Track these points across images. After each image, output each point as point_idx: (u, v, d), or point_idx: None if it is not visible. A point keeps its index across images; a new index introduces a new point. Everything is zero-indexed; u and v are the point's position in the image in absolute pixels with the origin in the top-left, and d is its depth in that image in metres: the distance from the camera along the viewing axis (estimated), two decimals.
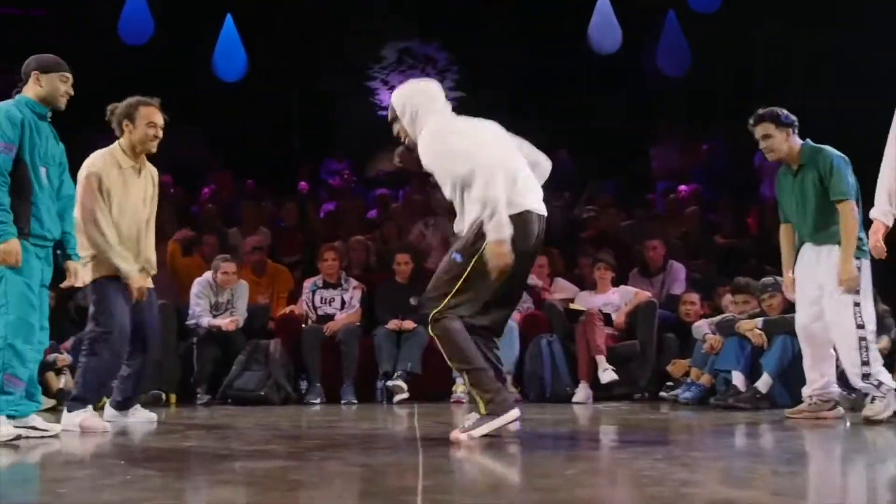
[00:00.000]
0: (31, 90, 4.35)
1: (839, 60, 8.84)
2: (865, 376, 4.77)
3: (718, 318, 6.56)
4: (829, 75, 9.43)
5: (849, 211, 4.83)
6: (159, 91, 5.16)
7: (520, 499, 2.80)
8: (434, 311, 4.02)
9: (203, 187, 11.02)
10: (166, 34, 11.70)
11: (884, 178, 4.78)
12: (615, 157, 12.14)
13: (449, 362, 4.15)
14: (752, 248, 8.81)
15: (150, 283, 5.11)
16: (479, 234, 3.95)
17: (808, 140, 5.05)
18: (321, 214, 10.29)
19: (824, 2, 9.76)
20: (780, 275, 5.61)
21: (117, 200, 4.88)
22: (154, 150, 5.04)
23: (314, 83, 12.78)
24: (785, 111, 5.04)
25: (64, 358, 6.20)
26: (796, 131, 5.05)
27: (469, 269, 3.98)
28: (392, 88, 14.45)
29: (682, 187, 10.71)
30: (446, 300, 4.00)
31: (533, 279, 7.63)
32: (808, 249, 5.05)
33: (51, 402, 5.32)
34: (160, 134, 5.01)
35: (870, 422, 4.69)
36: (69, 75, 4.44)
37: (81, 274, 4.54)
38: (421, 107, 4.33)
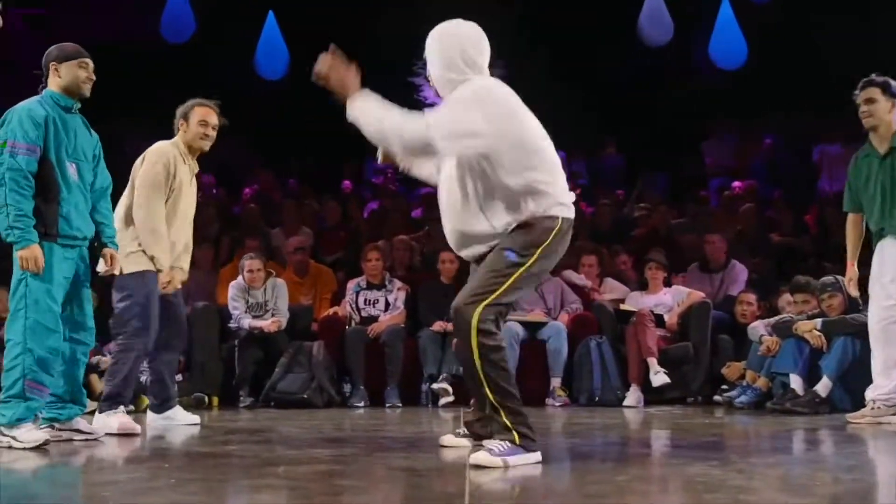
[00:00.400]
0: (52, 83, 4.35)
1: None
2: None
3: (775, 319, 6.48)
4: None
5: None
6: (200, 89, 5.28)
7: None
8: (477, 312, 3.52)
9: (245, 187, 11.13)
10: (208, 32, 11.85)
11: None
12: (666, 154, 12.04)
13: (477, 377, 3.58)
14: (810, 246, 8.69)
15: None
16: (535, 236, 3.62)
17: None
18: (365, 214, 10.34)
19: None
20: (841, 273, 5.53)
21: (175, 195, 5.02)
22: (206, 148, 5.20)
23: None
24: None
25: (107, 360, 6.29)
26: None
27: (522, 270, 3.60)
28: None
29: (737, 183, 10.60)
30: (490, 298, 3.55)
31: (582, 279, 7.62)
32: (887, 244, 4.93)
33: (94, 405, 5.39)
34: (211, 133, 5.18)
35: None
36: (88, 61, 4.41)
37: (118, 261, 4.56)
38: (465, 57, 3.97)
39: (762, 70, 11.62)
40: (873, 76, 5.00)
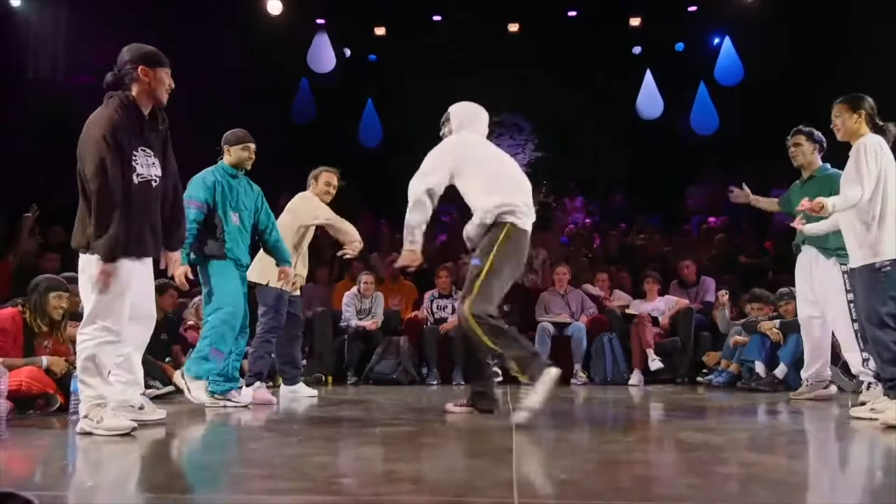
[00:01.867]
0: (226, 158, 4.59)
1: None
2: (865, 361, 4.50)
3: (743, 320, 6.36)
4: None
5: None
6: (321, 156, 5.37)
7: (590, 459, 2.76)
8: (467, 306, 3.58)
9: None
10: (325, 115, 12.11)
11: None
12: (659, 197, 11.89)
13: (485, 346, 3.57)
14: (770, 265, 8.48)
15: (297, 290, 5.24)
16: (489, 240, 3.70)
17: (827, 164, 4.88)
18: (437, 243, 10.39)
19: (833, 77, 9.41)
20: (793, 285, 5.40)
21: (308, 231, 5.17)
22: (327, 202, 5.31)
23: (431, 147, 12.92)
24: (818, 132, 4.89)
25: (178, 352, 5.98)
26: (821, 152, 4.91)
27: (486, 269, 3.64)
28: None
29: (712, 219, 10.40)
30: (472, 295, 3.59)
31: (597, 290, 7.54)
32: (804, 255, 4.81)
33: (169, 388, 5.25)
34: (333, 192, 5.33)
35: (863, 404, 4.43)
36: (252, 145, 4.62)
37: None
38: (463, 121, 4.14)
39: (730, 135, 11.46)
40: (801, 126, 4.96)
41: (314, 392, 5.35)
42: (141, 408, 3.54)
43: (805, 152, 4.89)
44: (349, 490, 2.18)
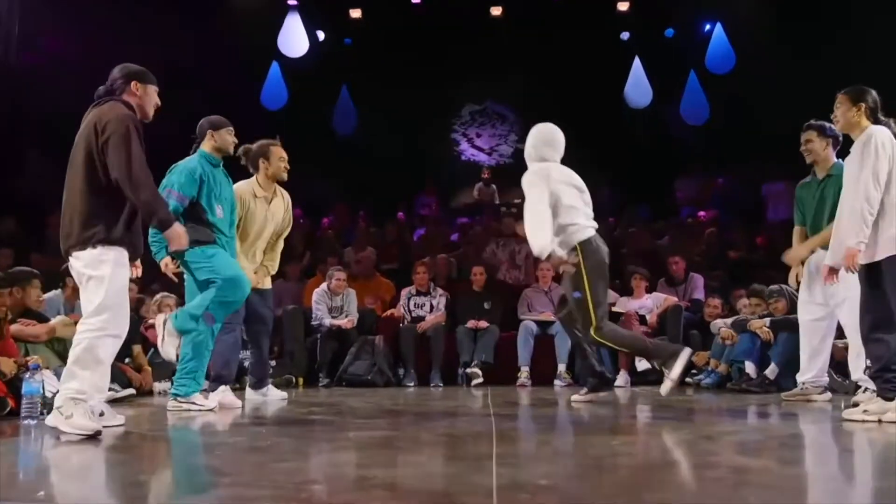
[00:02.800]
0: (207, 145, 4.51)
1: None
2: (868, 368, 4.55)
3: (733, 318, 6.40)
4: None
5: None
6: (292, 146, 5.28)
7: (573, 463, 2.76)
8: (592, 330, 4.42)
9: (324, 218, 11.21)
10: (297, 101, 12.01)
11: None
12: (647, 190, 11.97)
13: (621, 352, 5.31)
14: (762, 260, 8.57)
15: (268, 284, 5.13)
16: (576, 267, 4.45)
17: (841, 160, 4.77)
18: (415, 238, 10.37)
19: (823, 70, 9.51)
20: (785, 283, 5.43)
21: (249, 219, 4.96)
22: (286, 177, 5.11)
23: (409, 136, 12.92)
24: (830, 125, 4.69)
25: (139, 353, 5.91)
26: (836, 146, 4.80)
27: (587, 295, 4.42)
28: (469, 140, 14.62)
29: (702, 213, 10.49)
30: (593, 317, 4.40)
31: None
32: (817, 256, 4.78)
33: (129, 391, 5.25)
34: (288, 165, 5.12)
35: (856, 405, 4.48)
36: (232, 129, 4.60)
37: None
38: (541, 148, 4.75)
39: (721, 125, 11.56)
40: (812, 121, 4.85)
41: (284, 394, 5.32)
42: (101, 414, 3.50)
43: (817, 149, 4.80)
44: (320, 498, 2.16)
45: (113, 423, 3.55)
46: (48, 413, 3.39)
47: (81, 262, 3.32)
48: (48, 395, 3.82)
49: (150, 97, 3.54)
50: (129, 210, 3.34)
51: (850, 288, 4.57)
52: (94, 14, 8.91)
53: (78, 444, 3.05)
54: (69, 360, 3.30)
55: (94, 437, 3.14)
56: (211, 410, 4.36)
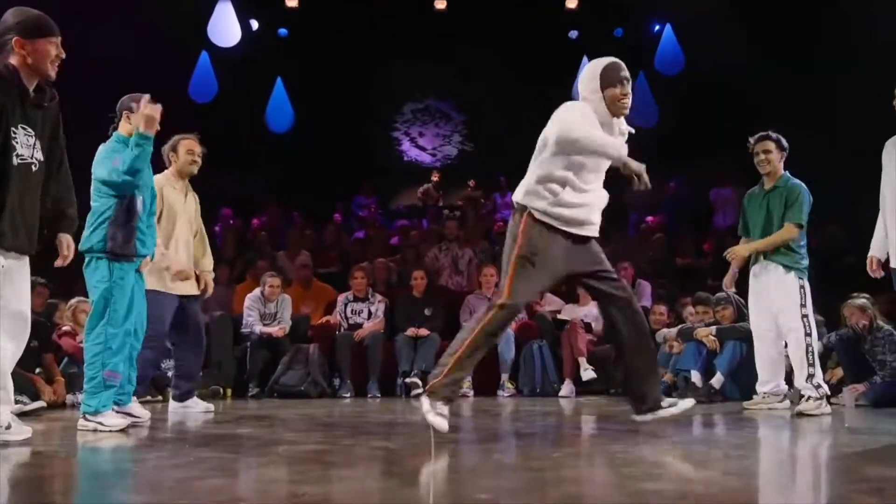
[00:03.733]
0: (123, 127, 4.27)
1: (799, 110, 8.90)
2: (810, 377, 4.73)
3: (679, 326, 6.54)
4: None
5: (788, 231, 4.82)
6: (222, 141, 5.20)
7: (515, 477, 2.78)
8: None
9: (256, 218, 11.07)
10: (228, 94, 11.81)
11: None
12: None
13: None
14: (708, 268, 8.79)
15: (194, 290, 5.02)
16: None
17: (787, 172, 5.02)
18: (352, 240, 10.32)
19: (773, 73, 9.82)
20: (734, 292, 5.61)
21: (168, 210, 4.88)
22: (195, 172, 5.03)
23: (347, 133, 12.86)
24: (784, 139, 5.01)
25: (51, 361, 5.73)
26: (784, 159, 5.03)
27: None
28: (412, 139, 14.62)
29: (650, 218, 10.70)
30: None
31: None
32: (761, 267, 5.00)
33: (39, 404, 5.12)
34: (198, 160, 5.03)
35: (802, 415, 4.65)
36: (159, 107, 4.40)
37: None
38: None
39: (670, 128, 11.80)
40: (769, 132, 5.04)
41: (210, 406, 5.23)
42: (8, 427, 3.35)
43: (774, 160, 5.00)
44: None
45: (19, 438, 3.40)
46: None
47: None
48: None
49: (43, 54, 3.17)
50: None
51: (788, 295, 4.76)
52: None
53: None
54: None
55: None
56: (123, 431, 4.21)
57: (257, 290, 6.99)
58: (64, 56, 3.27)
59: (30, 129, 3.18)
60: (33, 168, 3.20)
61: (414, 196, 12.96)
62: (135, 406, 4.41)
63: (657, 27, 12.39)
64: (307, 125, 12.61)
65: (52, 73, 3.24)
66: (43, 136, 3.25)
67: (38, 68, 3.19)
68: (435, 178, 12.95)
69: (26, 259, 3.29)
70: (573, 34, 12.68)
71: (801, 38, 9.70)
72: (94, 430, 3.98)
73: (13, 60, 3.15)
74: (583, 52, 12.46)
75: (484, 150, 13.22)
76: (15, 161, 3.09)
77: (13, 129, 3.09)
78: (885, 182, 4.49)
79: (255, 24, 12.43)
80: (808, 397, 4.74)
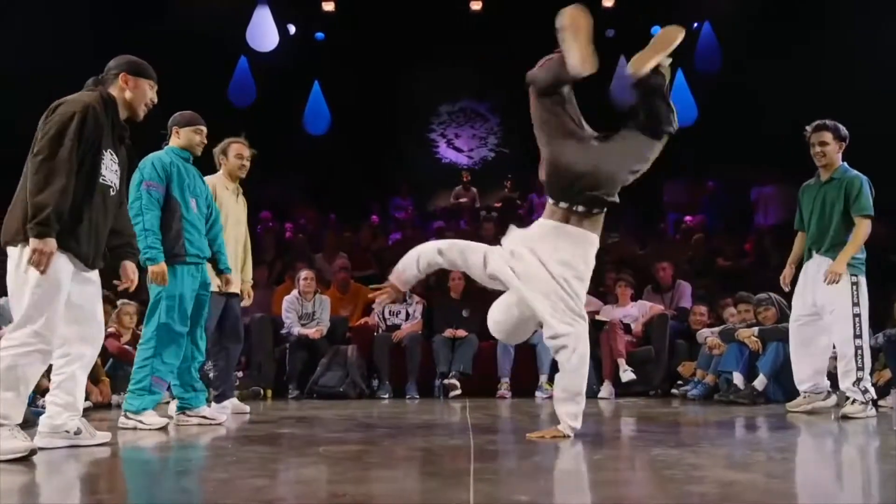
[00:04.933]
0: (174, 140, 4.50)
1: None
2: (858, 381, 4.63)
3: (720, 327, 6.47)
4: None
5: (865, 226, 4.69)
6: (261, 145, 5.26)
7: (554, 479, 2.78)
8: None
9: (294, 221, 11.16)
10: (266, 98, 11.94)
11: None
12: (632, 192, 12.03)
13: None
14: (749, 268, 8.67)
15: (236, 288, 5.05)
16: None
17: (845, 163, 4.85)
18: (389, 242, 10.36)
19: (811, 72, 9.67)
20: (773, 291, 5.51)
21: (223, 213, 4.93)
22: (243, 176, 5.13)
23: (384, 135, 12.91)
24: (843, 128, 4.83)
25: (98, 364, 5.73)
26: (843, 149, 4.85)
27: None
28: (448, 141, 14.63)
29: (689, 218, 10.58)
30: None
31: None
32: (814, 263, 4.86)
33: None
34: (247, 164, 5.12)
35: (847, 419, 4.56)
36: (204, 128, 4.55)
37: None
38: None
39: (710, 126, 11.65)
40: (826, 121, 4.84)
41: (246, 408, 5.27)
42: (77, 432, 3.41)
43: (831, 152, 4.81)
44: None
45: (94, 442, 3.46)
46: None
47: (13, 263, 3.14)
48: None
49: (141, 92, 3.43)
50: (66, 194, 3.09)
51: (839, 290, 4.65)
52: (53, 4, 8.84)
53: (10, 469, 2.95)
54: None
55: (26, 459, 2.98)
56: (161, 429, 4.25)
57: (294, 292, 7.06)
58: (156, 101, 3.51)
59: (114, 156, 3.39)
60: (111, 192, 3.38)
61: (450, 198, 12.98)
62: (205, 409, 4.53)
63: (696, 25, 12.23)
64: (344, 127, 12.68)
65: (142, 114, 3.48)
66: (121, 167, 3.46)
67: (132, 105, 3.42)
68: (465, 178, 12.93)
69: (96, 274, 3.43)
70: (610, 32, 12.57)
71: (837, 39, 9.55)
72: (135, 429, 4.09)
73: (113, 91, 3.38)
74: (620, 51, 12.38)
75: (519, 150, 13.21)
76: (100, 181, 3.27)
77: (102, 150, 3.27)
78: None
79: (292, 29, 12.54)
80: (854, 400, 4.64)
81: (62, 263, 3.14)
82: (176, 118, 4.52)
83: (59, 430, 3.36)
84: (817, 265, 4.83)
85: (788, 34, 10.06)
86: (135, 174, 4.27)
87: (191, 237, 4.36)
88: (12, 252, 3.17)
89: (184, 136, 4.50)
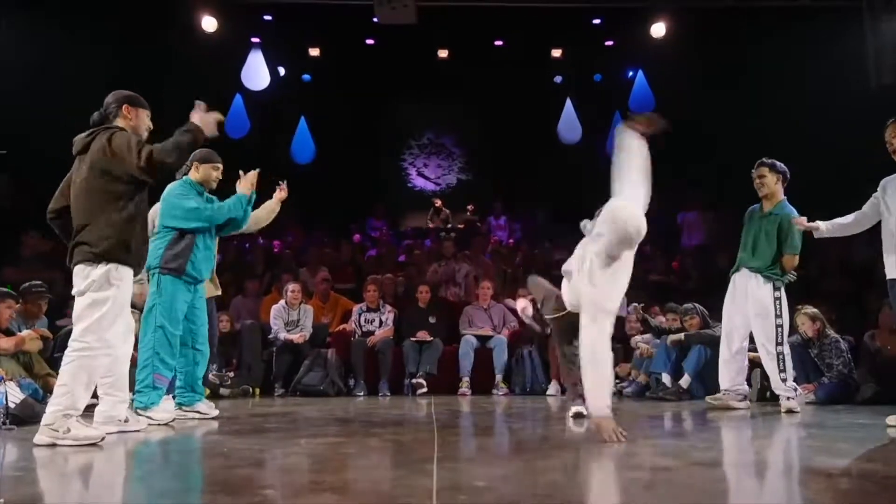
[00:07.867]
0: (192, 174, 4.43)
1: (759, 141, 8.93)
2: (784, 381, 4.70)
3: (653, 324, 6.57)
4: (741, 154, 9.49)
5: (793, 260, 4.73)
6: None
7: (508, 465, 2.77)
8: None
9: (282, 239, 11.06)
10: (258, 131, 11.89)
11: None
12: (581, 216, 12.13)
13: None
14: (675, 283, 8.78)
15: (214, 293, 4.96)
16: None
17: (786, 198, 4.86)
18: (366, 258, 10.32)
19: (735, 112, 9.86)
20: (698, 304, 5.59)
21: None
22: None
23: (362, 164, 12.89)
24: (781, 164, 4.86)
25: None
26: (785, 182, 4.86)
27: None
28: (418, 170, 14.62)
29: None
30: None
31: (520, 304, 7.62)
32: (741, 277, 4.87)
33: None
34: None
35: (791, 412, 4.61)
36: (220, 165, 4.47)
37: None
38: None
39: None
40: (764, 159, 4.89)
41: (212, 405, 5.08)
42: (125, 420, 3.60)
43: (769, 183, 4.84)
44: (273, 501, 2.13)
45: (137, 428, 3.68)
46: (9, 423, 3.29)
47: (81, 279, 3.21)
48: (11, 405, 3.71)
49: (141, 120, 3.47)
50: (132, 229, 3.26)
51: (763, 304, 4.71)
52: (60, 44, 8.69)
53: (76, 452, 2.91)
54: (61, 377, 3.16)
55: (96, 445, 3.13)
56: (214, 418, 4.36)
57: (281, 301, 6.99)
58: (152, 128, 3.53)
59: None
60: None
61: (420, 219, 12.97)
62: (201, 405, 4.49)
63: (630, 73, 12.46)
64: (327, 157, 12.63)
65: (144, 139, 3.48)
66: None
67: (136, 132, 3.43)
68: (437, 203, 12.97)
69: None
70: (558, 79, 12.76)
71: (754, 77, 9.78)
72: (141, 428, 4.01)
73: (120, 123, 3.41)
74: (566, 95, 12.56)
75: (480, 179, 13.30)
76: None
77: None
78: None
79: (282, 71, 12.50)
80: (788, 397, 4.71)
81: (126, 281, 3.26)
82: (196, 154, 4.37)
83: (112, 419, 3.57)
84: (745, 279, 4.87)
85: (714, 79, 10.26)
86: (163, 202, 4.25)
87: (195, 259, 4.27)
88: (81, 270, 3.21)
89: (202, 171, 4.43)
